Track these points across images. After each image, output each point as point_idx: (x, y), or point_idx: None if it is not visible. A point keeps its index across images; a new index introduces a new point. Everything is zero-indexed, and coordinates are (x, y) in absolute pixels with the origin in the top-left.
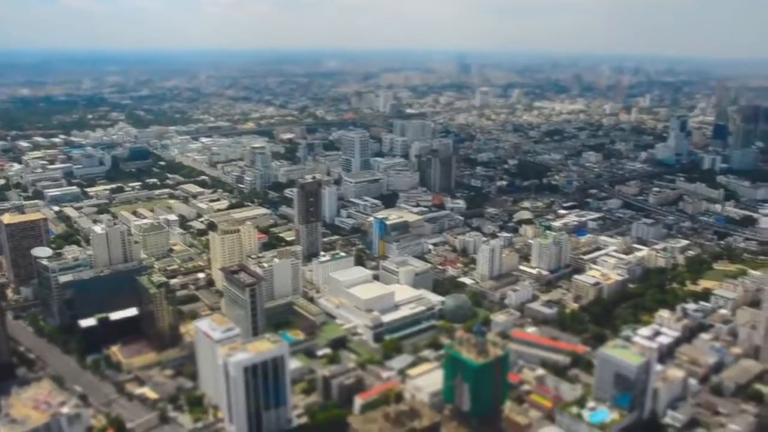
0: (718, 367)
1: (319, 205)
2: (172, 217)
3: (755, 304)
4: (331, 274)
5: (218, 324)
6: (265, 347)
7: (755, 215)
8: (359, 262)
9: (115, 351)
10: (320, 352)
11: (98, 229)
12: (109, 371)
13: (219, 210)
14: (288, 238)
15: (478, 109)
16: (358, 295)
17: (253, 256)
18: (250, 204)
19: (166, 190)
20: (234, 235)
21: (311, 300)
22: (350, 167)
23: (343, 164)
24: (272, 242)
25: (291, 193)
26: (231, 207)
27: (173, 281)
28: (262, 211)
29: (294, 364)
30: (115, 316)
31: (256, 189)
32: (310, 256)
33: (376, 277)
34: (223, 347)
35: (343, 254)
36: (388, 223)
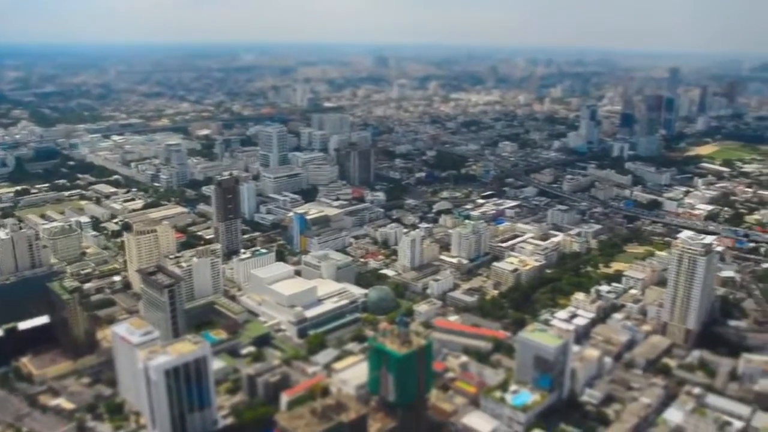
0: (630, 345)
1: (237, 201)
2: (84, 218)
3: (662, 283)
4: (252, 271)
5: (137, 327)
6: (186, 349)
7: (660, 199)
8: (280, 258)
9: (26, 362)
10: (244, 351)
11: (2, 234)
12: (20, 384)
13: (134, 210)
14: (207, 237)
15: (396, 101)
16: (281, 291)
17: (171, 257)
18: (166, 203)
19: (77, 191)
20: (150, 236)
21: (233, 298)
22: (269, 162)
23: (262, 160)
24: (191, 241)
25: (208, 190)
26: (146, 207)
27: (87, 286)
28: (180, 209)
29: (217, 364)
30: (24, 325)
31: (173, 187)
32: (230, 253)
33: (298, 273)
34: (142, 351)
35: (263, 251)
36: (308, 217)
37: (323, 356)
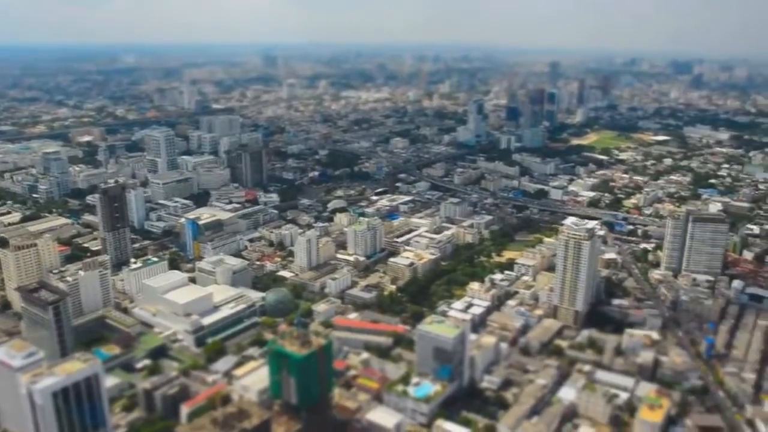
0: (524, 330)
1: (125, 210)
2: None
3: (551, 268)
4: (144, 281)
5: (17, 350)
6: (75, 368)
7: (546, 188)
8: (174, 266)
9: None
10: (139, 365)
11: None
12: None
13: (11, 224)
14: (94, 248)
15: (286, 101)
16: (175, 300)
17: (54, 271)
18: (47, 215)
19: None
20: (30, 250)
21: (125, 311)
22: (157, 168)
23: (149, 165)
24: (76, 254)
25: (93, 199)
26: (25, 219)
27: None
28: (62, 221)
29: (111, 380)
30: None
31: (54, 198)
32: (119, 264)
33: (192, 280)
34: (25, 375)
35: (155, 259)
36: (200, 222)
37: (223, 364)
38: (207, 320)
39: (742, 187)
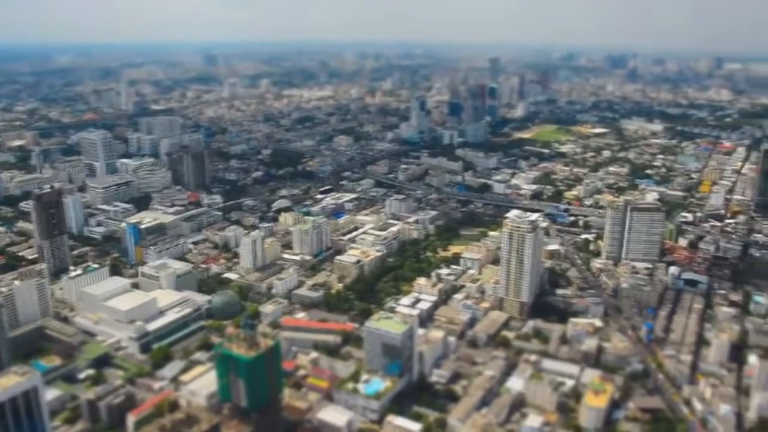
0: (471, 323)
1: (62, 216)
2: None
3: (496, 261)
4: (84, 289)
5: None
6: (11, 382)
7: (490, 182)
8: (116, 272)
9: None
10: (82, 375)
11: None
12: None
13: None
14: (30, 257)
15: (228, 101)
16: (118, 306)
17: None
18: None
19: None
20: None
21: (65, 320)
22: (95, 172)
23: (87, 169)
24: (10, 263)
25: (28, 206)
26: None
27: None
28: None
29: (52, 393)
30: None
31: None
32: (58, 272)
33: (135, 285)
34: None
35: (96, 266)
36: (142, 227)
37: (169, 369)
38: (152, 326)
39: (676, 176)
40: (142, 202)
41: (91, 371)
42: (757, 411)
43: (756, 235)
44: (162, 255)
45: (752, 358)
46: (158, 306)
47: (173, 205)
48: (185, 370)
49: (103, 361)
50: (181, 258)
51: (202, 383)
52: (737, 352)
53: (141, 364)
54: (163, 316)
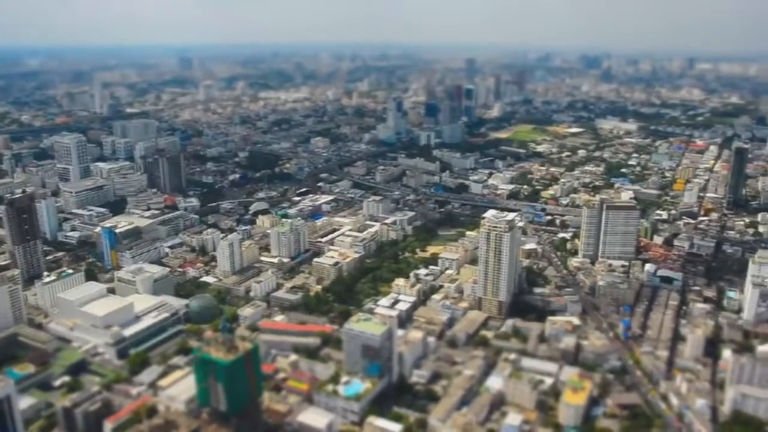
0: (450, 323)
1: (35, 221)
2: None
3: (474, 261)
4: (59, 294)
5: None
6: None
7: (467, 182)
8: (91, 277)
9: None
10: (57, 382)
11: None
12: None
13: None
14: (1, 263)
15: (204, 103)
16: (94, 312)
17: None
18: None
19: None
20: None
21: (39, 327)
22: (69, 176)
23: (60, 173)
24: None
25: None
26: None
27: None
28: None
29: (26, 401)
30: None
31: None
32: (31, 278)
33: (111, 291)
34: None
35: (71, 271)
36: (118, 231)
37: (147, 375)
38: (128, 331)
39: (650, 175)
40: (117, 206)
41: (66, 378)
42: (731, 404)
43: (728, 232)
44: (138, 259)
45: (726, 353)
46: (135, 311)
47: (149, 209)
48: (163, 375)
49: (79, 368)
50: (158, 262)
51: (180, 388)
52: (712, 347)
53: (118, 370)
54: (139, 321)
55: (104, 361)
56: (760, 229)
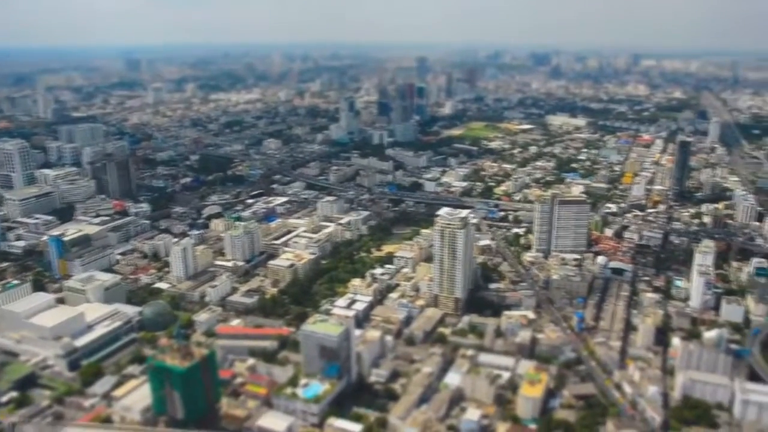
0: (407, 321)
1: None
2: None
3: (430, 259)
4: (4, 306)
5: None
6: None
7: (420, 180)
8: (39, 287)
9: None
10: (4, 398)
11: None
12: None
13: None
14: None
15: (153, 106)
16: (42, 323)
17: None
18: None
19: None
20: None
21: None
22: (12, 183)
23: (2, 181)
24: None
25: None
26: None
27: None
28: None
29: None
30: None
31: None
32: None
33: (61, 301)
34: None
35: (16, 282)
36: (66, 239)
37: (100, 386)
38: (80, 342)
39: (599, 169)
40: (64, 214)
41: (14, 393)
42: (681, 390)
43: (675, 223)
44: (88, 267)
45: (675, 340)
46: (86, 320)
47: (98, 216)
48: (117, 385)
49: (27, 382)
50: (109, 270)
51: (135, 398)
52: (662, 336)
53: (70, 382)
54: (91, 330)
55: (55, 373)
56: (704, 219)
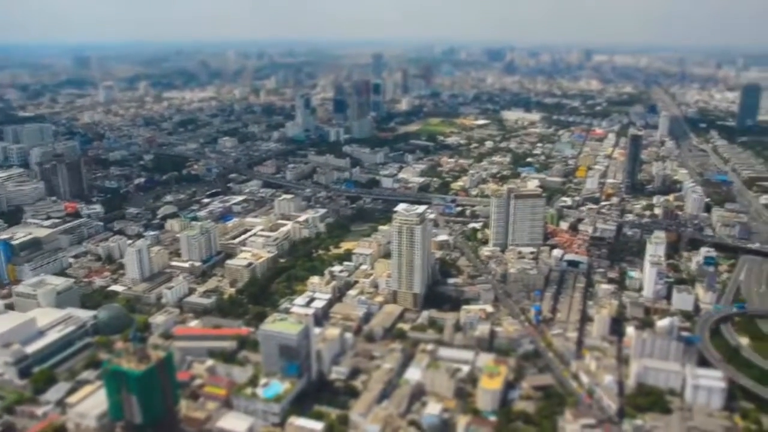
0: (367, 318)
1: None
2: None
3: (388, 255)
4: None
5: None
6: None
7: (378, 177)
8: None
9: None
10: None
11: None
12: None
13: None
14: None
15: (104, 105)
16: None
17: None
18: None
19: None
20: None
21: None
22: None
23: None
24: None
25: None
26: None
27: None
28: None
29: None
30: None
31: None
32: None
33: (10, 306)
34: None
35: None
36: (14, 242)
37: (54, 393)
38: (31, 348)
39: (554, 163)
40: (12, 216)
41: None
42: (636, 378)
43: (628, 215)
44: (39, 271)
45: (629, 330)
46: (37, 326)
47: (49, 218)
48: (72, 391)
49: None
50: (61, 273)
51: (90, 404)
52: (617, 326)
53: (20, 390)
54: (43, 336)
55: (4, 381)
56: (656, 210)
